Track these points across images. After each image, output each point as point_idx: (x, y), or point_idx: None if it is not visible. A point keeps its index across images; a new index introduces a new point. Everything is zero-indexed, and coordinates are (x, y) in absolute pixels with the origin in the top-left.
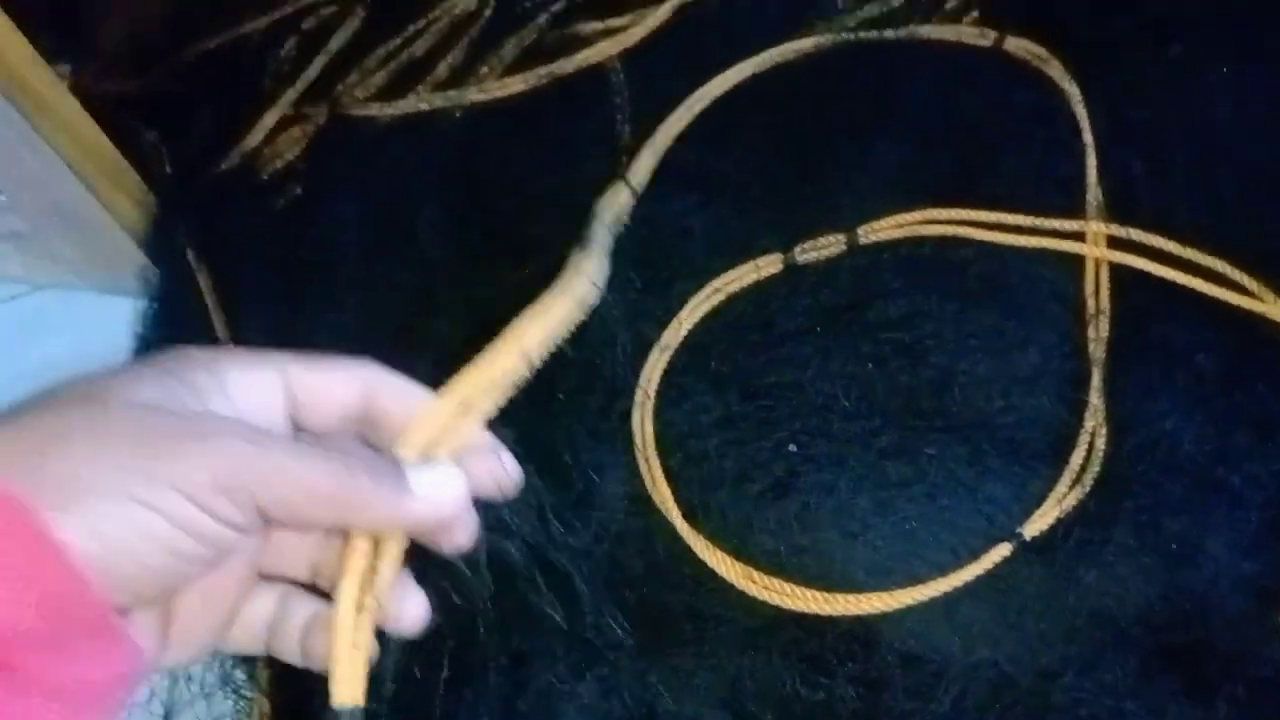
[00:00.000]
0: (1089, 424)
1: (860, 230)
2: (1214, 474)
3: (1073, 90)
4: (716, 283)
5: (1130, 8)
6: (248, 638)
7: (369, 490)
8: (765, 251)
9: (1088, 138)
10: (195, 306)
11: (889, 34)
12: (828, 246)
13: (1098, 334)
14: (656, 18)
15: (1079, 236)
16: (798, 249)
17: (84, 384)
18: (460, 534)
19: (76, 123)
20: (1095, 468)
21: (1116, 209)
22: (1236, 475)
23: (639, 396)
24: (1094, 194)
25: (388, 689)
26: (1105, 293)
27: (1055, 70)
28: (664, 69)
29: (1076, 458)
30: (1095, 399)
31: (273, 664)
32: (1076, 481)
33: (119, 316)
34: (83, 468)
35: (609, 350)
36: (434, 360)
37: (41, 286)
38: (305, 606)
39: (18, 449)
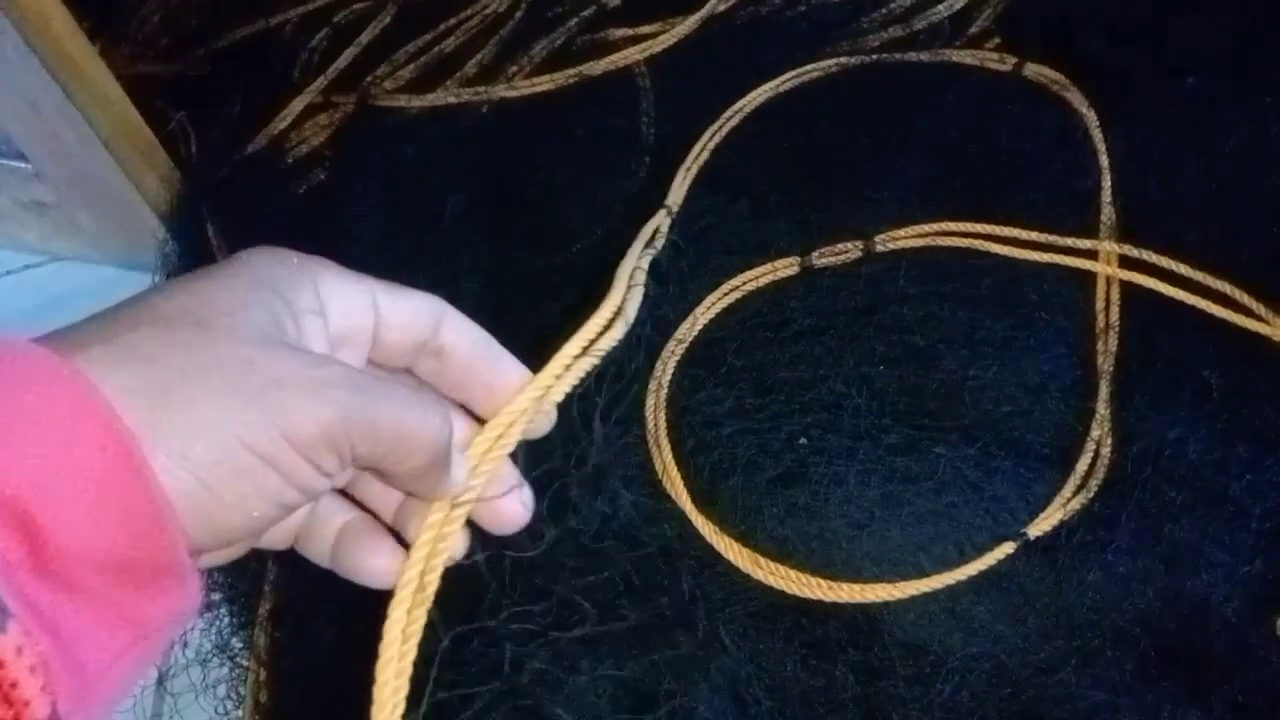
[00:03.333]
0: (1095, 432)
1: (878, 239)
2: (1216, 483)
3: (1090, 116)
4: (734, 281)
5: (1148, 40)
6: (280, 537)
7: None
8: (783, 254)
9: (1104, 161)
10: None
11: (914, 56)
12: (845, 252)
13: (1106, 348)
14: (685, 28)
15: (1092, 255)
16: (815, 253)
17: (194, 303)
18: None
19: (113, 98)
20: (1100, 474)
21: (1129, 230)
22: (1237, 485)
23: (652, 385)
24: (1108, 214)
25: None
26: (1115, 309)
27: (1074, 96)
28: (689, 77)
29: (1082, 463)
30: (1102, 409)
31: (270, 630)
32: (1081, 486)
33: (136, 289)
34: (199, 410)
35: (624, 340)
36: None
37: (59, 258)
38: (339, 512)
39: (137, 380)
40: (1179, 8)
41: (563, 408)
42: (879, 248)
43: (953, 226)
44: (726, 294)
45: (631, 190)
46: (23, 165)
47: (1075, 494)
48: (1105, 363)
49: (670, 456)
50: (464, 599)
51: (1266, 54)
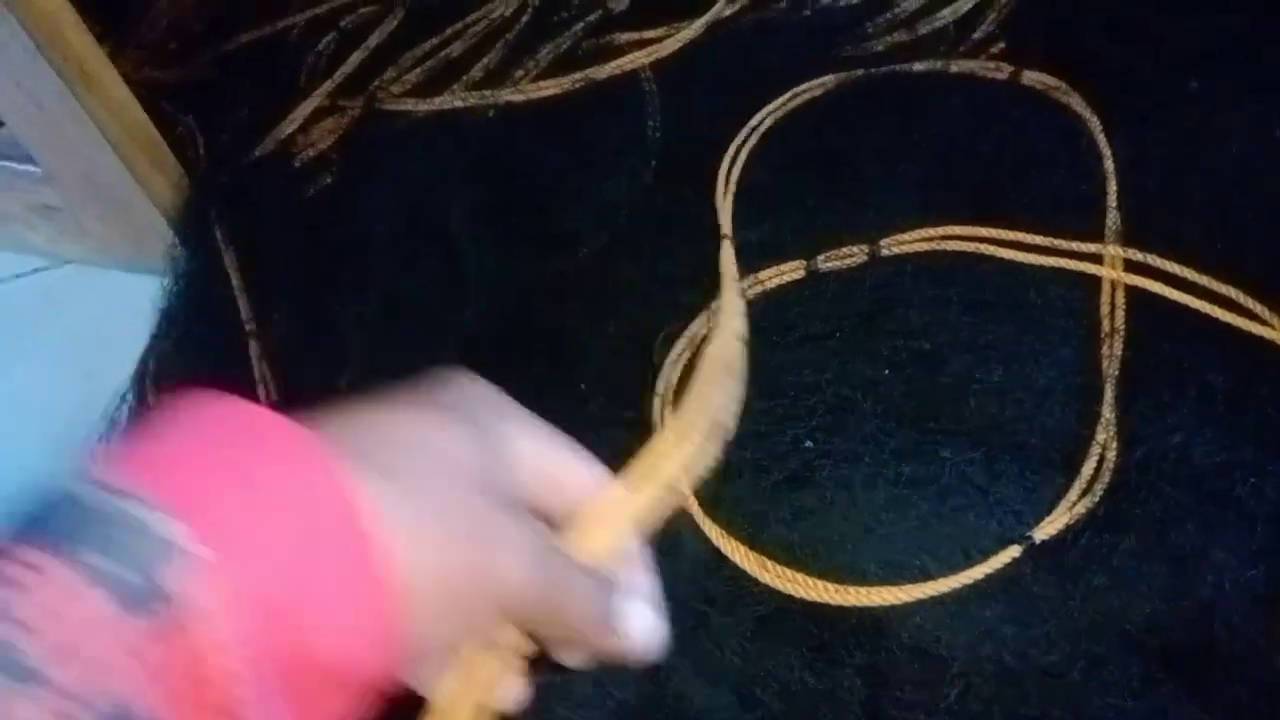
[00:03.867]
0: (1101, 436)
1: (882, 243)
2: (1220, 486)
3: (1093, 120)
4: (740, 284)
5: (1151, 41)
6: None
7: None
8: (789, 258)
9: (1109, 165)
10: (220, 287)
11: (915, 67)
12: (850, 256)
13: (1111, 351)
14: (690, 32)
15: (1096, 259)
16: (820, 257)
17: (417, 427)
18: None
19: (122, 102)
20: (1105, 477)
21: (1134, 232)
22: (1242, 488)
23: (660, 387)
24: (1113, 218)
25: None
26: (1120, 313)
27: (1075, 101)
28: (695, 81)
29: (1088, 467)
30: (1108, 412)
31: None
32: (1087, 490)
33: (142, 294)
34: (428, 527)
35: (631, 343)
36: (460, 350)
37: (67, 261)
38: None
39: (381, 490)
40: (1182, 9)
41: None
42: (884, 252)
43: (958, 230)
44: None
45: (638, 194)
46: (32, 169)
47: (1081, 497)
48: (1110, 367)
49: None
50: None
51: (1269, 54)
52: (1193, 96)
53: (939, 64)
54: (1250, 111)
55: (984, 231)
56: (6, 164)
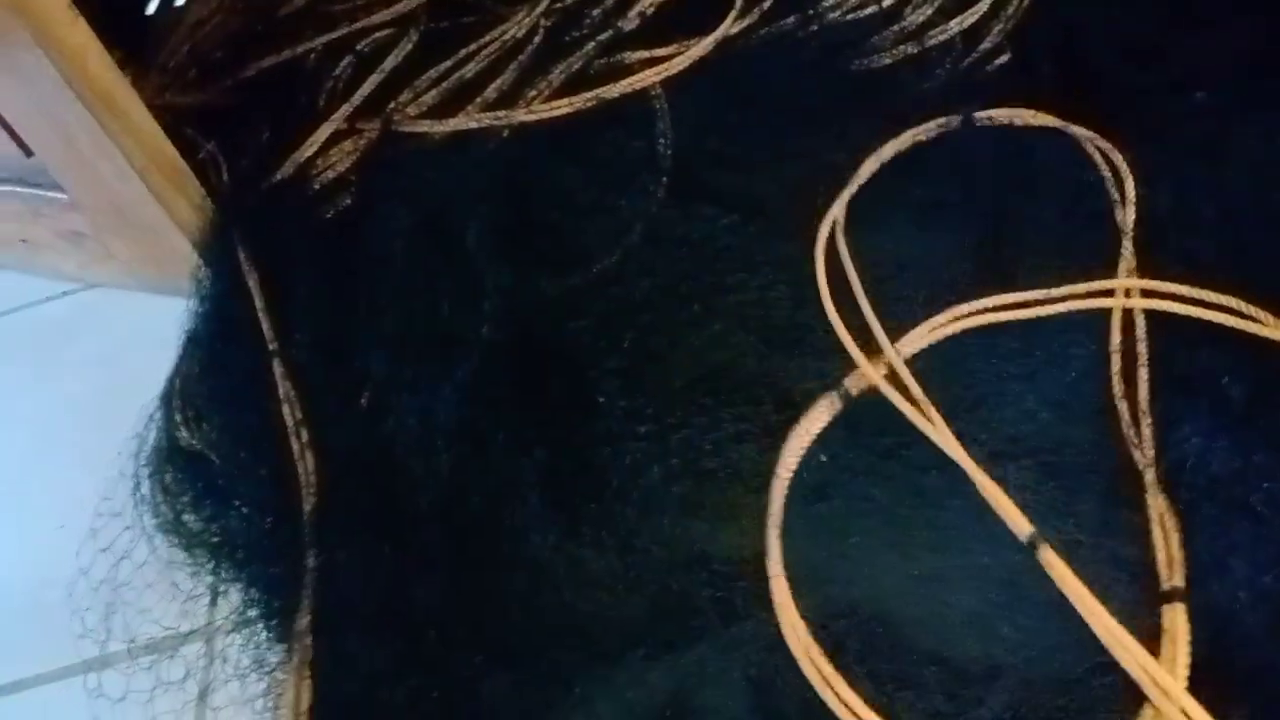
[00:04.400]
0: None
1: (899, 345)
2: (1237, 494)
3: (1102, 146)
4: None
5: (1158, 54)
6: None
7: None
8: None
9: (1126, 188)
10: (244, 308)
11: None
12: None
13: (1129, 370)
14: (700, 49)
15: (1108, 294)
16: (846, 382)
17: None
18: None
19: (146, 130)
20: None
21: (1145, 248)
22: (1259, 495)
23: None
24: (1127, 243)
25: None
26: (1137, 336)
27: (1078, 131)
28: (705, 97)
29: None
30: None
31: (313, 645)
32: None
33: (170, 315)
34: None
35: (647, 357)
36: (477, 365)
37: (95, 285)
38: None
39: None
40: (1190, 22)
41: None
42: (903, 352)
43: (964, 309)
44: None
45: (650, 210)
46: (60, 196)
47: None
48: (1126, 386)
49: None
50: None
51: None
52: (1200, 110)
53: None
54: (1258, 122)
55: (990, 301)
56: (35, 191)
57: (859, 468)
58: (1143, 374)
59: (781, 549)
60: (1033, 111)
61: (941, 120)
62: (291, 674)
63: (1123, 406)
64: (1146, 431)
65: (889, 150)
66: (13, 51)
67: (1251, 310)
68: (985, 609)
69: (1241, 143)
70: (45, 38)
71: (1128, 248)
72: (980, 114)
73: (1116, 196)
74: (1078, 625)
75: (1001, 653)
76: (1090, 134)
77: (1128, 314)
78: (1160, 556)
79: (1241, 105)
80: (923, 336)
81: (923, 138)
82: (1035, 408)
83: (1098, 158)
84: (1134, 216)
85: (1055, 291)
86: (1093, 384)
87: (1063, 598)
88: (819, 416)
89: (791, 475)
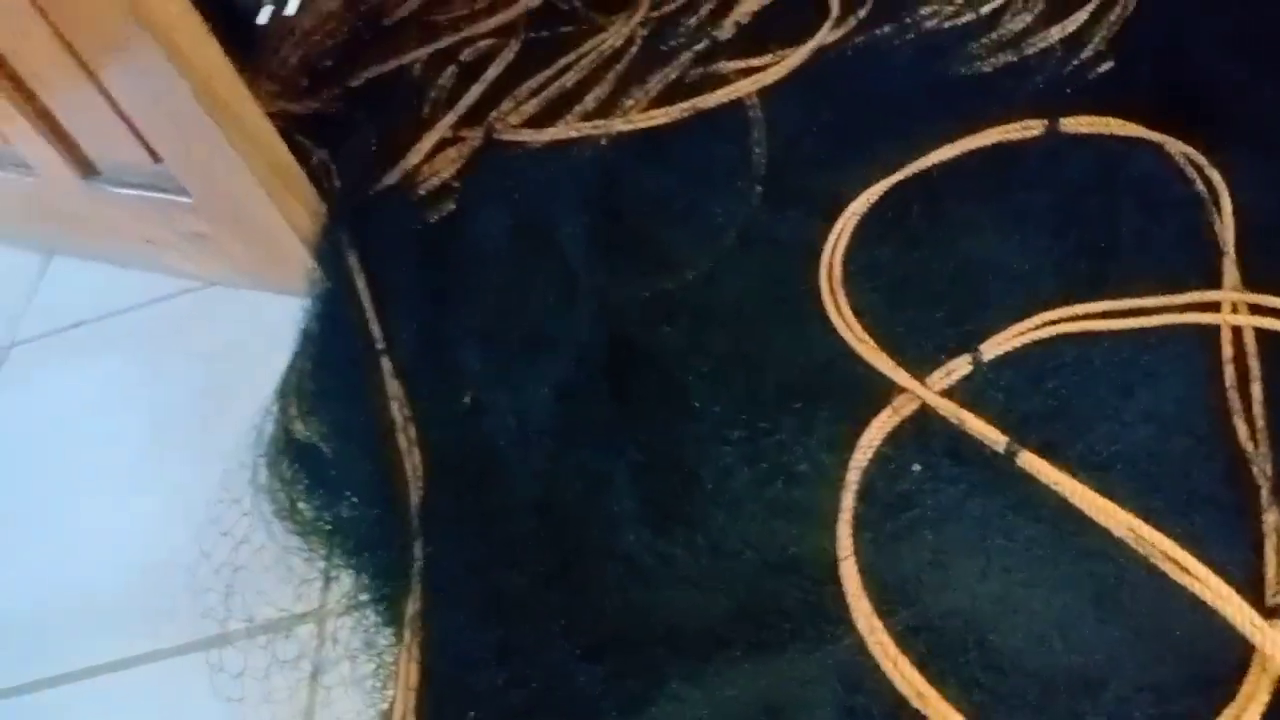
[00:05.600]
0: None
1: (982, 348)
2: None
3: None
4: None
5: (1265, 58)
6: None
7: None
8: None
9: (1218, 204)
10: (353, 308)
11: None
12: (955, 371)
13: (1245, 393)
14: (796, 58)
15: (1213, 307)
16: (929, 380)
17: None
18: None
19: (264, 137)
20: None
21: (1247, 261)
22: None
23: None
24: (1229, 259)
25: None
26: (1252, 349)
27: (1171, 144)
28: (800, 105)
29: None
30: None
31: (421, 629)
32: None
33: (283, 313)
34: None
35: (738, 361)
36: (572, 367)
37: (214, 283)
38: None
39: None
40: None
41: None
42: (985, 356)
43: (1053, 315)
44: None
45: (744, 215)
46: (184, 199)
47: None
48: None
49: None
50: None
51: None
52: None
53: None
54: None
55: (1079, 309)
56: (161, 195)
57: (949, 476)
58: (1256, 390)
59: (854, 543)
60: (1120, 121)
61: (1025, 123)
62: (403, 655)
63: (1239, 421)
64: (1264, 447)
65: (959, 147)
66: (145, 65)
67: None
68: (1076, 620)
69: None
70: (177, 55)
71: (1230, 263)
72: (1067, 120)
73: (1214, 211)
74: (1171, 636)
75: (1094, 664)
76: (1184, 147)
77: (1235, 330)
78: (1270, 573)
79: None
80: (1008, 340)
81: (1003, 139)
82: (1134, 420)
83: (1191, 171)
84: (1233, 232)
85: (1155, 301)
86: (1197, 398)
87: (1156, 609)
88: (882, 425)
89: (860, 476)
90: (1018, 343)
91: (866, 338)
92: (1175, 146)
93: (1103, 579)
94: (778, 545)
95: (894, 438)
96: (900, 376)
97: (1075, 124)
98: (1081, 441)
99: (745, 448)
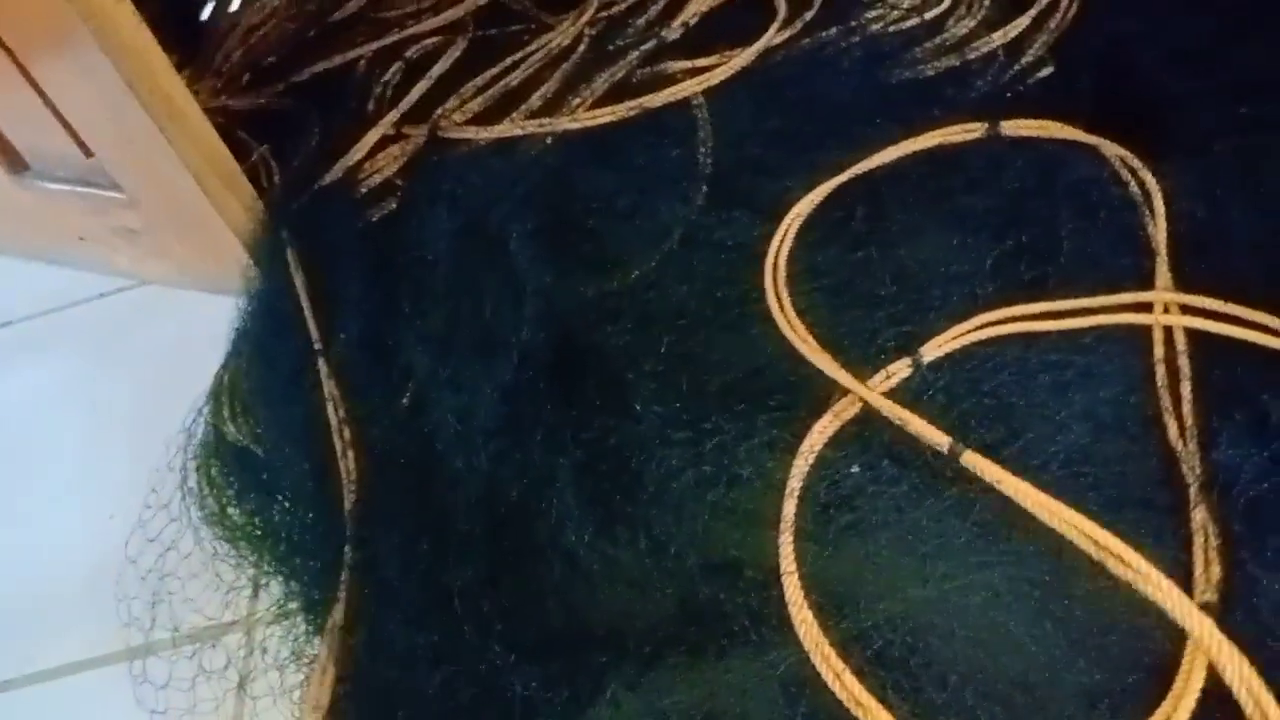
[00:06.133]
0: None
1: (922, 350)
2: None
3: (1123, 156)
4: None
5: (1203, 68)
6: None
7: None
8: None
9: (1151, 207)
10: (291, 307)
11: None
12: (895, 374)
13: (1173, 390)
14: (742, 59)
15: (1145, 308)
16: (870, 383)
17: None
18: None
19: (201, 131)
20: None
21: (1180, 264)
22: None
23: None
24: (1161, 261)
25: None
26: (1179, 353)
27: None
28: (746, 106)
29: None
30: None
31: (345, 636)
32: None
33: (220, 312)
34: None
35: (681, 362)
36: (515, 366)
37: (147, 282)
38: None
39: None
40: (1237, 33)
41: None
42: (925, 359)
43: (992, 317)
44: None
45: (689, 217)
46: (117, 195)
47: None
48: (1174, 404)
49: None
50: None
51: None
52: (1246, 123)
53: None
54: None
55: (1017, 310)
56: (94, 191)
57: (889, 479)
58: (1185, 389)
59: (796, 553)
60: (1060, 124)
61: (967, 127)
62: (317, 667)
63: (1170, 419)
64: (1192, 445)
65: (902, 149)
66: (77, 56)
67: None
68: (1014, 624)
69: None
70: (109, 43)
71: (1162, 264)
72: (1007, 123)
73: (1148, 213)
74: (1108, 636)
75: (1034, 667)
76: (1120, 150)
77: (1167, 330)
78: (1198, 572)
79: None
80: (948, 342)
81: (945, 141)
82: (1070, 420)
83: (1126, 174)
84: (1165, 234)
85: (1090, 302)
86: (1131, 398)
87: (1093, 611)
88: (823, 430)
89: (801, 482)
90: (957, 344)
91: (809, 338)
92: (1111, 149)
93: (1041, 581)
94: (720, 548)
95: (835, 440)
96: (842, 377)
97: (1015, 127)
98: (1019, 441)
99: (688, 449)
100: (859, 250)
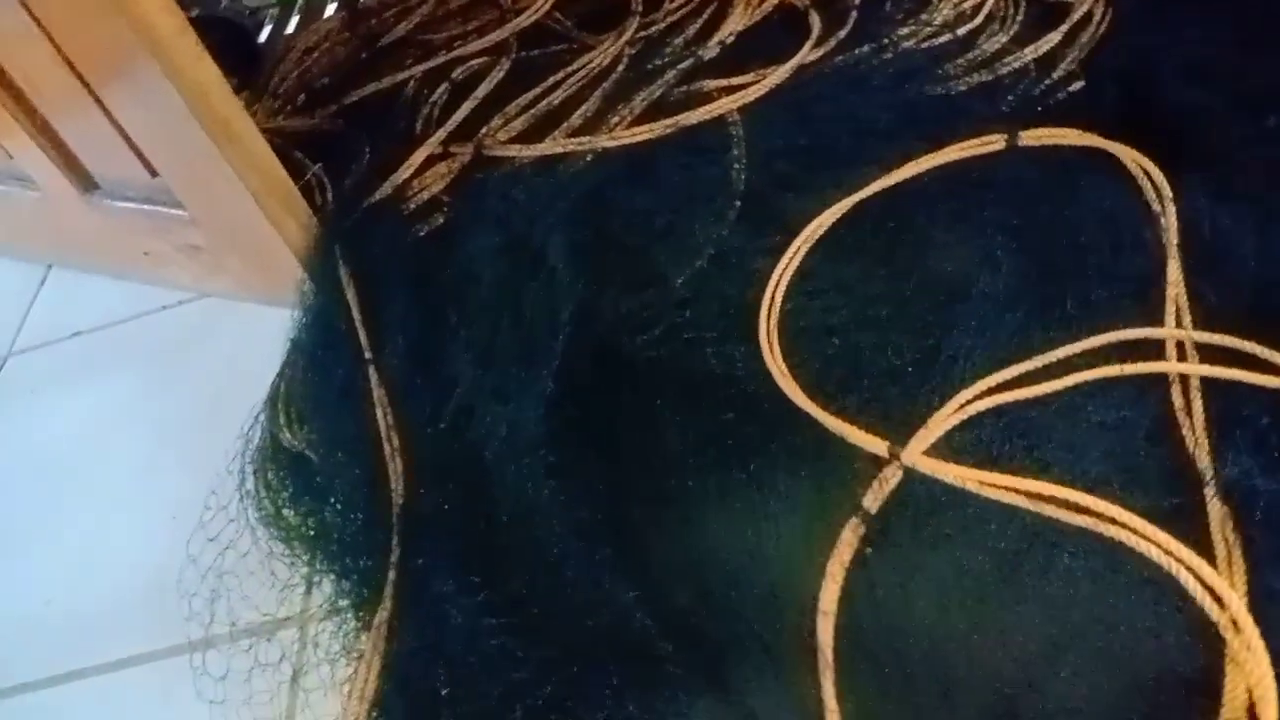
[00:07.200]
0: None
1: (904, 455)
2: None
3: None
4: None
5: (1228, 81)
6: None
7: None
8: None
9: (1165, 211)
10: (343, 319)
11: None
12: (887, 482)
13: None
14: (776, 77)
15: (1157, 352)
16: (865, 501)
17: None
18: None
19: (259, 152)
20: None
21: (1192, 270)
22: None
23: None
24: (1173, 265)
25: None
26: (1197, 406)
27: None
28: (780, 123)
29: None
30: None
31: (386, 638)
32: None
33: (277, 324)
34: None
35: (711, 374)
36: (554, 375)
37: (208, 295)
38: None
39: None
40: (1267, 45)
41: None
42: (912, 462)
43: (995, 380)
44: None
45: (722, 233)
46: (180, 213)
47: None
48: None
49: None
50: None
51: None
52: (1269, 136)
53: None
54: None
55: (1023, 369)
56: (158, 209)
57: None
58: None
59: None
60: (1078, 131)
61: (987, 139)
62: (362, 667)
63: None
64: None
65: (923, 164)
66: (142, 83)
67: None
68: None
69: None
70: (173, 72)
71: (1174, 271)
72: (1027, 133)
73: (1162, 219)
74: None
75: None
76: (1138, 155)
77: (1180, 346)
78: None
79: None
80: (946, 419)
81: (965, 154)
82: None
83: (1144, 180)
84: (1177, 240)
85: (1092, 343)
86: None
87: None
88: (846, 546)
89: (835, 611)
90: (959, 419)
91: (797, 391)
92: (1130, 155)
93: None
94: (752, 583)
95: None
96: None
97: (1035, 136)
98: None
99: (713, 463)
100: (878, 270)
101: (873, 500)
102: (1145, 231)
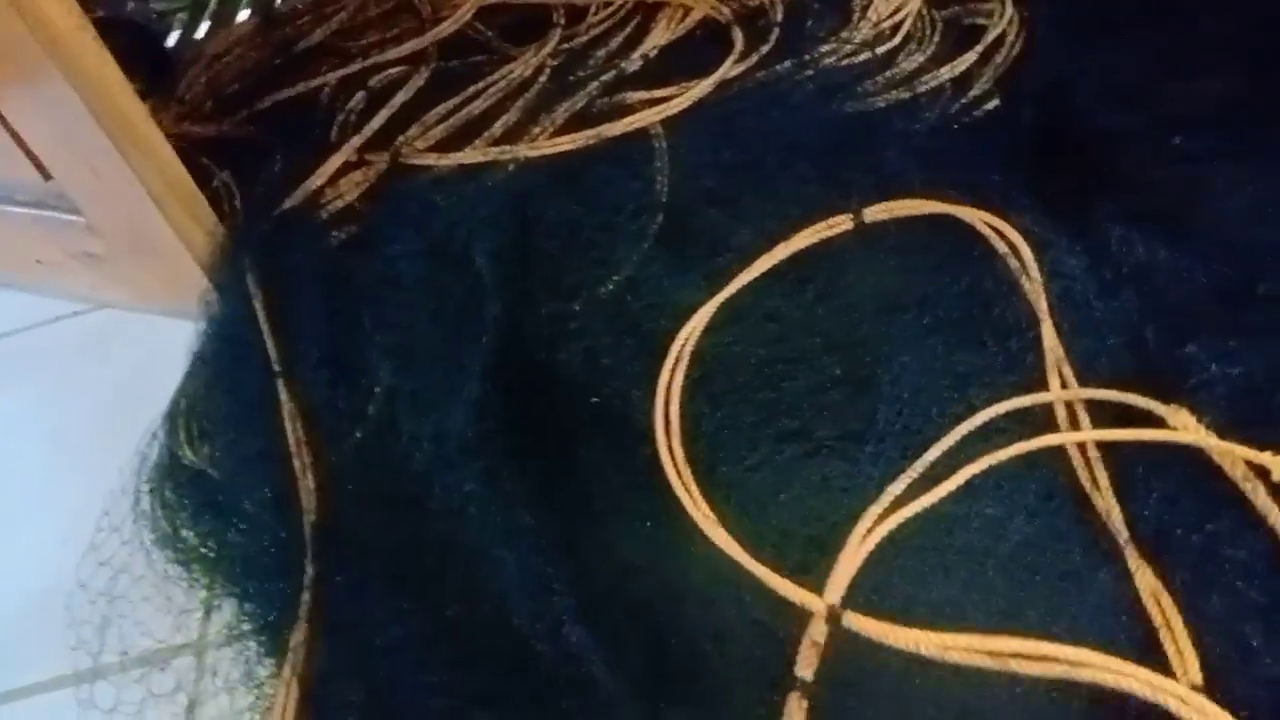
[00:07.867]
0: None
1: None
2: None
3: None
4: None
5: (1146, 102)
6: None
7: None
8: None
9: (1024, 267)
10: (250, 331)
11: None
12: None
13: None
14: (699, 90)
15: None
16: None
17: None
18: None
19: (165, 160)
20: None
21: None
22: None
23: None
24: (1047, 329)
25: None
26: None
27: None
28: (701, 137)
29: None
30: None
31: (305, 659)
32: None
33: (178, 337)
34: None
35: (634, 382)
36: (476, 385)
37: (106, 305)
38: None
39: None
40: (1179, 68)
41: None
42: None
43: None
44: None
45: (644, 243)
46: (76, 219)
47: None
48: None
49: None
50: None
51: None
52: (1181, 157)
53: None
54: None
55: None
56: (53, 214)
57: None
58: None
59: None
60: (920, 200)
61: (832, 221)
62: (281, 689)
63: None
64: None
65: (777, 255)
66: (38, 81)
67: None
68: None
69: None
70: (71, 70)
71: (1049, 335)
72: (870, 209)
73: (1023, 273)
74: None
75: None
76: (983, 214)
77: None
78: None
79: (1239, 148)
80: (856, 554)
81: (817, 237)
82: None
83: (997, 240)
84: (1045, 300)
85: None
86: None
87: None
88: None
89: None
90: (854, 570)
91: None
92: (979, 217)
93: None
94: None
95: None
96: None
97: (877, 211)
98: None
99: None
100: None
101: (806, 667)
102: (1012, 297)
